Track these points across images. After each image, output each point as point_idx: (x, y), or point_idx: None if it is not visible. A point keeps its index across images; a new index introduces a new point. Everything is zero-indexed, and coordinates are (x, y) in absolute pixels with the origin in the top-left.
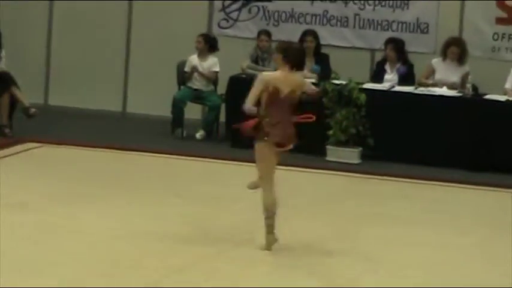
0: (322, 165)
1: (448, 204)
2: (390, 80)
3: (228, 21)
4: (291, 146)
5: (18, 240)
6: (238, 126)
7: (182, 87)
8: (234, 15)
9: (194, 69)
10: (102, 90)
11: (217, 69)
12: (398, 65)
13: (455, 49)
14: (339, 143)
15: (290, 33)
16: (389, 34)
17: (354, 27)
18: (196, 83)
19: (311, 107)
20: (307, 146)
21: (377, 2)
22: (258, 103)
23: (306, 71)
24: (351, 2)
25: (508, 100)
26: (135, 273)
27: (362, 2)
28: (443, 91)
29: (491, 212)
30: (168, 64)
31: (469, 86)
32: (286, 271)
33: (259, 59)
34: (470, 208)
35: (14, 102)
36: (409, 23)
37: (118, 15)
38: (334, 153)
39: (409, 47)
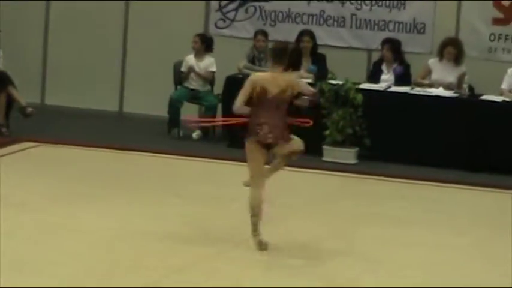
0: (319, 165)
1: (445, 204)
2: (387, 80)
3: (224, 21)
4: (300, 149)
5: (18, 240)
6: (186, 118)
7: (179, 87)
8: (231, 15)
9: (191, 69)
10: (99, 89)
11: (214, 69)
12: (394, 65)
13: (452, 49)
14: (336, 143)
15: (287, 33)
16: (385, 34)
17: (351, 27)
18: (193, 83)
19: (309, 110)
20: (304, 146)
21: (374, 2)
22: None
23: (302, 71)
24: (348, 2)
25: (504, 101)
26: (135, 273)
27: (359, 2)
28: (440, 91)
29: (488, 212)
30: (164, 64)
31: (465, 86)
32: (286, 271)
33: (256, 59)
34: (467, 208)
35: (10, 101)
36: (406, 23)
37: (115, 15)
38: (330, 153)
39: (405, 47)
